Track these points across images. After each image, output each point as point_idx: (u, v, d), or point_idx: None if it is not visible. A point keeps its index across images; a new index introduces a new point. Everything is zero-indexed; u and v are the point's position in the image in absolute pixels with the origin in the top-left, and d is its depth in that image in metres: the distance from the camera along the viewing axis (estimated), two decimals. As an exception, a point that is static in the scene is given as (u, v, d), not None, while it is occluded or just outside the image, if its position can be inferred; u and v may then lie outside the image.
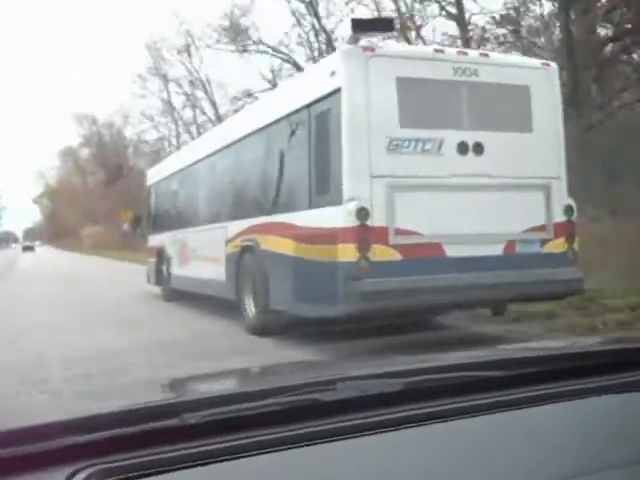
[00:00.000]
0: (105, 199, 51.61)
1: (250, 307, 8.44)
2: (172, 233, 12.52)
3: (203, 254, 10.48)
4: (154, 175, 14.45)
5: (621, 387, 1.05)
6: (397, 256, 5.93)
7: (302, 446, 0.82)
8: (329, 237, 6.12)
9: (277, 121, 7.46)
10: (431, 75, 6.17)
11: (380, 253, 5.87)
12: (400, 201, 5.95)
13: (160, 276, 13.57)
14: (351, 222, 5.83)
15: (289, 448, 0.82)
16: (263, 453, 0.81)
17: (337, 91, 6.08)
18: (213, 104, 36.35)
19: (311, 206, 6.60)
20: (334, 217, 6.08)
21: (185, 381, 1.19)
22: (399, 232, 5.94)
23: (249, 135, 8.40)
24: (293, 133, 7.03)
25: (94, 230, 54.68)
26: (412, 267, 5.92)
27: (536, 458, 0.84)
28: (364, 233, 5.82)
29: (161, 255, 13.52)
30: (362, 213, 5.83)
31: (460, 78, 6.23)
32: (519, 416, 0.96)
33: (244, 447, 0.81)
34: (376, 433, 0.86)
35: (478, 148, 6.24)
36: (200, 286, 10.59)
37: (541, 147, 6.51)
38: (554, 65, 6.87)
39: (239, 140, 8.77)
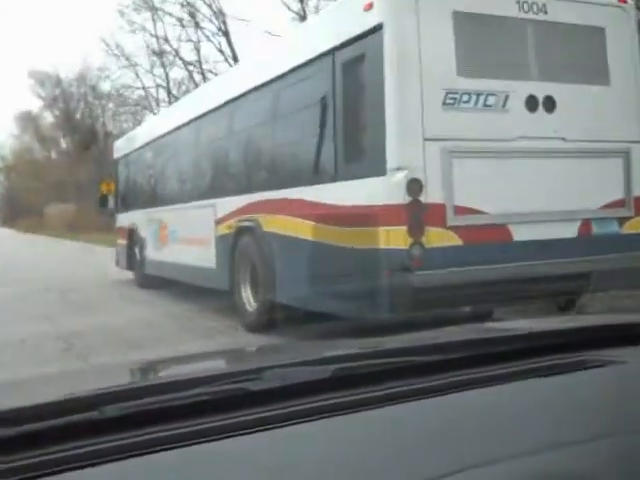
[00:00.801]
0: (76, 172, 44.48)
1: (248, 300, 7.13)
2: (146, 212, 11.06)
3: (185, 236, 9.08)
4: (123, 146, 12.89)
5: (558, 369, 1.02)
6: (457, 241, 4.66)
7: (226, 437, 0.79)
8: (366, 217, 4.81)
9: (290, 72, 6.06)
10: (495, 10, 4.87)
11: (436, 238, 4.60)
12: (459, 170, 4.67)
13: (132, 260, 12.11)
14: (400, 198, 4.53)
15: (213, 440, 0.78)
16: (187, 445, 0.76)
17: (377, 30, 4.74)
18: (229, 44, 25.94)
19: (338, 177, 5.28)
20: (374, 191, 4.78)
21: (107, 371, 1.12)
22: (459, 210, 4.67)
23: (250, 92, 6.97)
24: (312, 86, 5.67)
25: (62, 208, 46.36)
26: (475, 254, 4.66)
27: (466, 443, 0.78)
28: (417, 212, 4.53)
29: (133, 236, 12.05)
30: (414, 186, 4.53)
31: (527, 16, 4.95)
32: (448, 401, 0.92)
33: (165, 439, 0.77)
34: (301, 422, 0.82)
35: (549, 103, 4.97)
36: (182, 273, 9.20)
37: (619, 103, 5.29)
38: (631, 2, 5.63)
39: (236, 99, 7.33)
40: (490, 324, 1.88)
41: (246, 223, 7.04)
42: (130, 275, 12.66)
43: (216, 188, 8.09)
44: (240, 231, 7.21)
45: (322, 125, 5.47)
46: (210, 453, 0.76)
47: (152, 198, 10.99)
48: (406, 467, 0.72)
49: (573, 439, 0.77)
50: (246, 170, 7.32)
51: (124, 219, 12.77)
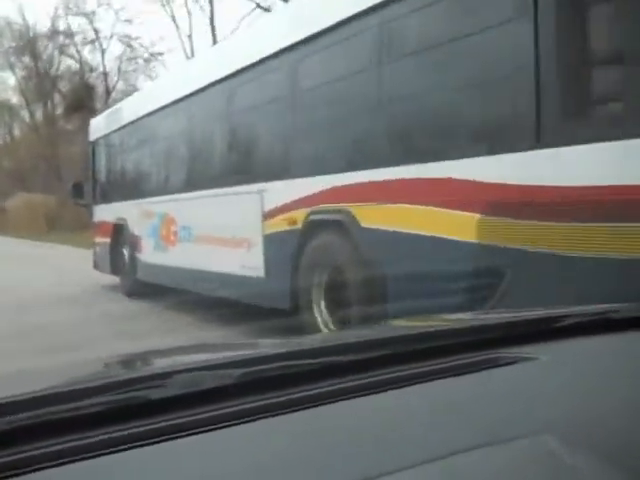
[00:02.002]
0: (53, 150, 35.40)
1: (325, 322, 5.15)
2: (139, 203, 8.86)
3: (206, 234, 6.97)
4: (103, 125, 10.58)
5: (469, 367, 1.00)
6: None
7: (126, 449, 0.74)
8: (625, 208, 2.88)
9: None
10: None
11: None
12: None
13: (118, 262, 9.89)
14: None
15: (107, 453, 0.73)
16: (80, 460, 0.72)
17: None
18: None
19: (545, 143, 3.31)
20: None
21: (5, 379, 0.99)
22: None
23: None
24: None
25: (27, 200, 35.34)
26: None
27: (372, 448, 0.75)
28: None
29: (119, 233, 9.84)
30: None
31: None
32: (355, 405, 0.88)
33: (56, 454, 0.72)
34: (205, 431, 0.78)
35: None
36: (200, 282, 7.07)
37: None
38: None
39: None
40: (400, 322, 1.53)
41: (326, 216, 5.02)
42: (112, 280, 10.46)
43: (264, 168, 6.02)
44: (314, 227, 5.18)
45: (502, 54, 3.51)
46: (104, 466, 0.71)
47: (149, 185, 8.81)
48: (313, 476, 0.69)
49: (485, 439, 0.74)
50: (326, 140, 5.25)
51: (105, 212, 10.51)
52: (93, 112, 24.28)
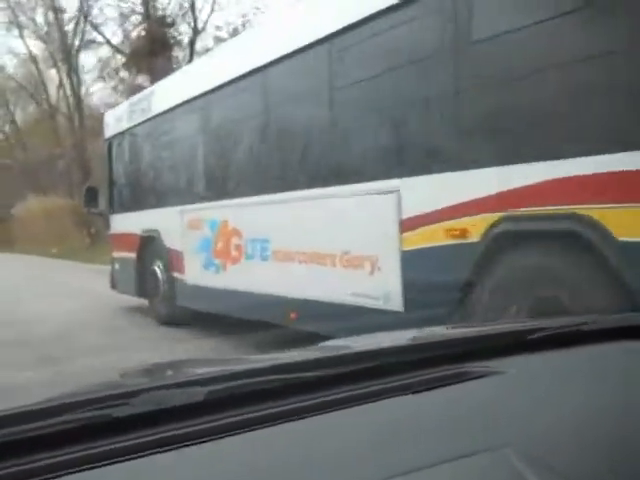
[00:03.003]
0: (60, 148, 28.48)
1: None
2: (180, 210, 7.12)
3: (295, 248, 5.27)
4: (125, 117, 8.79)
5: (438, 382, 1.00)
6: None
7: (87, 468, 0.73)
8: None
9: None
10: None
11: None
12: None
13: (148, 283, 8.15)
14: None
15: (70, 472, 0.73)
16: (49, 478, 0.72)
17: None
18: None
19: None
20: None
21: None
22: None
23: None
24: None
25: (38, 205, 28.19)
26: None
27: (342, 462, 0.76)
28: None
29: (149, 248, 8.11)
30: None
31: None
32: (325, 420, 0.89)
33: (16, 475, 0.72)
34: (166, 451, 0.78)
35: None
36: (282, 311, 5.34)
37: None
38: None
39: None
40: (370, 337, 1.41)
41: (543, 225, 3.35)
42: (135, 301, 8.70)
43: (405, 157, 4.34)
44: (511, 240, 3.51)
45: None
46: None
47: (196, 189, 7.06)
48: None
49: (447, 455, 0.74)
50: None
51: (127, 222, 8.76)
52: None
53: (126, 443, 0.78)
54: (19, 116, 36.85)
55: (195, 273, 6.95)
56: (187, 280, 7.14)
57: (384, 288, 4.31)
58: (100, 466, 0.73)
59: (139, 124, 8.29)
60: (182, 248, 7.21)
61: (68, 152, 28.10)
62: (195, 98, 6.70)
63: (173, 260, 7.48)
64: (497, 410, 0.93)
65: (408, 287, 4.15)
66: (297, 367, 1.03)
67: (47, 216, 26.38)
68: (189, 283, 7.11)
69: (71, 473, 0.71)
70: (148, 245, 8.11)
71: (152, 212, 7.96)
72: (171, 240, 7.49)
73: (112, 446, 0.77)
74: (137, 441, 0.79)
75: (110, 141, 9.27)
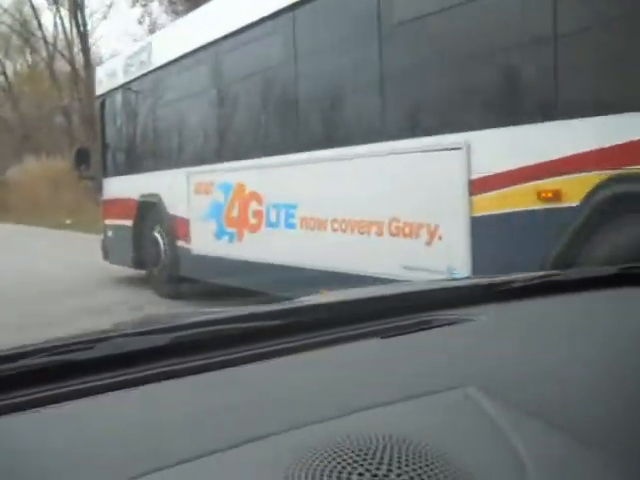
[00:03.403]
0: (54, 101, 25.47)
1: None
2: (186, 173, 6.43)
3: (329, 214, 4.64)
4: (120, 71, 8.00)
5: (404, 329, 1.03)
6: None
7: (49, 406, 0.75)
8: None
9: None
10: None
11: None
12: None
13: (147, 253, 7.47)
14: None
15: (34, 409, 0.74)
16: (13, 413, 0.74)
17: None
18: None
19: None
20: None
21: None
22: None
23: None
24: None
25: (39, 168, 24.80)
26: None
27: (308, 399, 0.79)
28: None
29: (148, 214, 7.42)
30: None
31: None
32: (291, 362, 0.91)
33: None
34: (130, 390, 0.80)
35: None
36: (314, 285, 4.71)
37: None
38: None
39: None
40: (344, 291, 1.40)
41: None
42: (127, 273, 8.03)
43: (477, 107, 3.71)
44: (624, 205, 2.92)
45: None
46: (31, 421, 0.73)
47: (205, 148, 6.38)
48: (235, 426, 0.70)
49: (418, 392, 0.77)
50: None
51: (123, 187, 8.04)
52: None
53: (87, 384, 0.80)
54: (12, 66, 32.73)
55: (203, 242, 6.29)
56: (193, 249, 6.48)
57: (447, 261, 3.70)
58: (58, 405, 0.74)
59: (137, 78, 7.53)
60: (188, 214, 6.53)
61: (70, 106, 24.53)
62: (207, 45, 5.96)
63: (176, 228, 6.80)
64: (465, 354, 0.94)
65: (479, 260, 3.55)
66: (266, 316, 1.04)
67: (51, 181, 22.50)
68: (196, 253, 6.44)
69: (27, 410, 0.73)
70: (147, 211, 7.42)
71: (152, 175, 7.25)
72: (174, 206, 6.81)
73: (72, 387, 0.79)
74: (98, 383, 0.80)
75: (103, 98, 8.50)
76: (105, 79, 8.44)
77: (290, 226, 5.05)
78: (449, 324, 1.05)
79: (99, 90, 8.61)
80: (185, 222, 6.58)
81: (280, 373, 0.88)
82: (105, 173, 8.52)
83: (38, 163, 25.24)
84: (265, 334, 0.97)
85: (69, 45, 27.16)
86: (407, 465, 0.59)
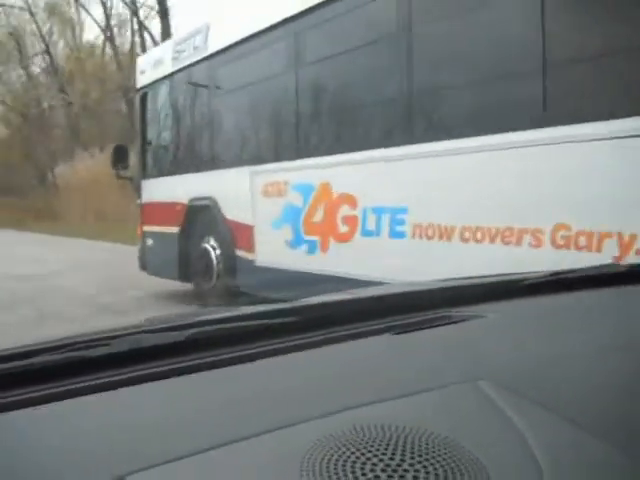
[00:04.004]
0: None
1: None
2: (250, 172, 5.55)
3: (464, 222, 3.75)
4: (166, 61, 7.14)
5: (419, 325, 1.04)
6: None
7: (62, 400, 0.76)
8: None
9: None
10: None
11: None
12: None
13: (197, 263, 6.60)
14: None
15: (60, 400, 0.76)
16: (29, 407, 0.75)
17: None
18: None
19: None
20: None
21: None
22: None
23: None
24: None
25: (90, 166, 20.27)
26: None
27: (328, 392, 0.80)
28: None
29: (199, 219, 6.56)
30: None
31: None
32: (309, 356, 0.93)
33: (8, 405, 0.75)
34: (143, 384, 0.81)
35: None
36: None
37: None
38: None
39: None
40: (356, 290, 1.44)
41: None
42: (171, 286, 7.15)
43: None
44: None
45: None
46: (48, 416, 0.74)
47: (280, 143, 5.51)
48: (246, 421, 0.70)
49: (428, 386, 0.78)
50: None
51: (166, 189, 7.19)
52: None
53: (103, 380, 0.80)
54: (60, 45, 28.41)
55: (272, 252, 5.40)
56: (258, 261, 5.59)
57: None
58: (73, 399, 0.75)
59: (190, 66, 6.67)
60: (251, 220, 5.65)
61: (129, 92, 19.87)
62: (287, 21, 5.09)
63: (236, 235, 5.93)
64: (477, 349, 0.94)
65: None
66: (280, 313, 1.05)
67: (101, 183, 17.95)
68: (261, 265, 5.56)
69: (43, 405, 0.74)
70: (197, 217, 6.55)
71: (204, 176, 6.39)
72: (233, 210, 5.94)
73: (88, 383, 0.79)
74: (114, 378, 0.81)
75: (145, 91, 7.64)
76: (149, 69, 7.58)
77: (398, 235, 4.16)
78: (461, 321, 1.06)
79: (140, 82, 7.75)
80: (248, 229, 5.70)
81: (295, 368, 0.89)
82: (145, 174, 7.67)
83: (92, 160, 20.60)
84: (279, 331, 0.98)
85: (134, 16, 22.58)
86: (420, 455, 0.60)
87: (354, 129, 4.67)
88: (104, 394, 0.77)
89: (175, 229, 6.93)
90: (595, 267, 1.39)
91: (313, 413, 0.69)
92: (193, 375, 0.83)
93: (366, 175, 4.39)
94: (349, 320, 1.05)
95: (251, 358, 0.88)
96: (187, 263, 6.78)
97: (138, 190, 7.77)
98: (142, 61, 7.95)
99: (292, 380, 0.84)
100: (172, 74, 7.00)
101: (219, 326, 0.96)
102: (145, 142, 7.67)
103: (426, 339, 1.00)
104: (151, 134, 7.61)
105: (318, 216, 4.87)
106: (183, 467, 0.59)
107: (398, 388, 0.77)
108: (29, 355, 0.83)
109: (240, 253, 5.88)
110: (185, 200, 6.70)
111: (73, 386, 0.79)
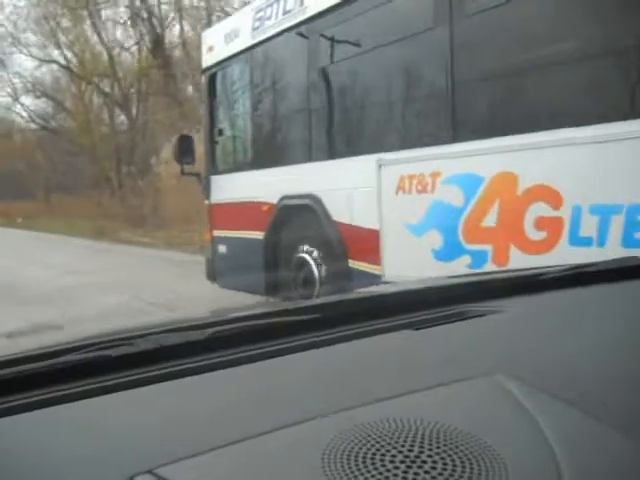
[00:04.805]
0: None
1: None
2: (376, 161, 4.30)
3: None
4: (243, 32, 5.90)
5: (437, 320, 1.06)
6: None
7: (89, 398, 0.78)
8: None
9: None
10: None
11: None
12: None
13: (288, 276, 5.39)
14: None
15: (71, 401, 0.78)
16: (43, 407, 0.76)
17: None
18: None
19: None
20: None
21: None
22: None
23: None
24: None
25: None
26: None
27: (351, 385, 0.82)
28: None
29: (292, 223, 5.37)
30: None
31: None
32: (324, 353, 0.94)
33: (20, 408, 0.77)
34: (170, 381, 0.83)
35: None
36: None
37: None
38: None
39: None
40: (375, 287, 1.57)
41: None
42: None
43: None
44: None
45: None
46: (70, 415, 0.75)
47: (430, 122, 4.26)
48: (269, 416, 0.71)
49: (448, 379, 0.79)
50: None
51: (244, 186, 5.97)
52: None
53: (125, 379, 0.81)
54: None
55: (409, 265, 4.17)
56: (387, 276, 4.36)
57: None
58: (95, 398, 0.76)
59: (277, 35, 5.44)
60: (377, 223, 4.41)
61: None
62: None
63: (350, 242, 4.71)
64: (495, 344, 0.95)
65: None
66: (301, 311, 1.06)
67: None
68: (392, 280, 4.32)
69: (66, 402, 0.75)
70: (292, 218, 5.35)
71: (302, 168, 5.17)
72: (347, 210, 4.71)
73: (110, 382, 0.80)
74: (136, 377, 0.82)
75: (214, 71, 6.43)
76: (219, 45, 6.36)
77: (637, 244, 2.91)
78: (480, 315, 1.06)
79: (208, 61, 6.53)
80: (370, 235, 4.47)
81: (316, 364, 0.90)
82: (215, 169, 6.46)
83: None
84: (300, 328, 0.99)
85: None
86: (438, 447, 0.61)
87: (562, 96, 3.39)
88: (127, 392, 0.77)
89: (258, 234, 5.73)
90: (617, 260, 1.35)
91: (334, 407, 0.70)
92: (215, 372, 0.84)
93: (582, 160, 3.14)
94: (369, 317, 1.06)
95: (272, 355, 0.89)
96: (276, 275, 5.57)
97: (206, 188, 6.56)
98: (209, 36, 6.71)
99: (312, 376, 0.85)
100: (253, 47, 5.76)
101: (240, 324, 0.96)
102: (215, 131, 6.45)
103: (446, 334, 1.01)
104: (223, 121, 6.39)
105: (491, 218, 3.62)
106: (208, 460, 0.61)
107: (417, 382, 0.78)
108: (54, 355, 0.83)
109: (356, 265, 4.66)
110: (273, 199, 5.48)
111: (97, 385, 0.80)
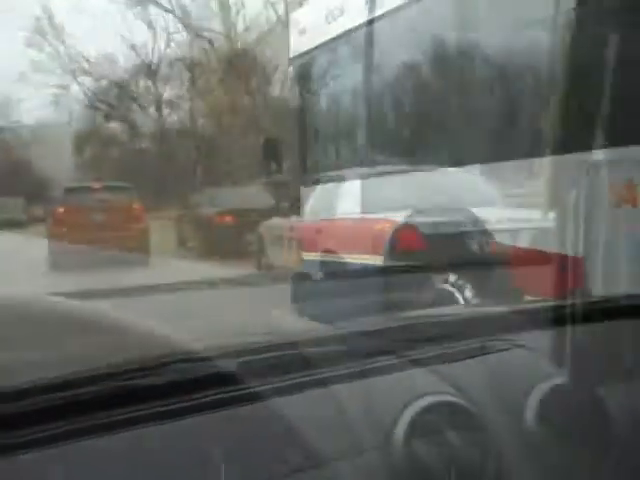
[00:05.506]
0: None
1: None
2: (596, 164, 3.14)
3: None
4: (343, 12, 4.83)
5: (461, 355, 1.03)
6: None
7: (120, 432, 0.76)
8: None
9: None
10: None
11: None
12: None
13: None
14: None
15: (92, 437, 0.75)
16: (65, 444, 0.74)
17: None
18: None
19: None
20: None
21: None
22: None
23: None
24: None
25: None
26: None
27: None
28: None
29: (429, 246, 4.20)
30: None
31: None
32: (352, 388, 0.91)
33: (55, 437, 0.74)
34: (199, 415, 0.80)
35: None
36: None
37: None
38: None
39: None
40: (403, 314, 1.39)
41: None
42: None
43: None
44: None
45: None
46: (89, 450, 0.74)
47: None
48: (302, 452, 0.73)
49: (482, 411, 0.81)
50: None
51: (345, 200, 4.88)
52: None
53: (146, 412, 0.78)
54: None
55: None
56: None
57: None
58: (119, 430, 0.75)
59: (401, 8, 4.31)
60: (580, 247, 3.26)
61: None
62: None
63: (523, 272, 3.56)
64: (517, 379, 0.98)
65: None
66: (324, 341, 1.04)
67: None
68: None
69: (73, 441, 0.74)
70: (423, 240, 4.21)
71: (438, 176, 4.03)
72: (511, 232, 3.56)
73: (133, 414, 0.78)
74: (159, 409, 0.79)
75: (308, 59, 5.33)
76: (313, 27, 5.26)
77: None
78: (499, 351, 1.07)
79: (298, 47, 5.44)
80: (571, 263, 3.31)
81: (341, 399, 0.89)
82: (306, 178, 5.34)
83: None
84: (324, 360, 0.97)
85: None
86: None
87: None
88: (143, 426, 0.76)
89: (368, 258, 4.62)
90: (635, 295, 1.37)
91: (369, 443, 0.74)
92: (246, 405, 0.83)
93: None
94: (393, 349, 1.04)
95: (292, 389, 0.88)
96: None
97: (294, 201, 5.45)
98: (300, 17, 5.62)
99: (336, 412, 0.85)
100: (369, 23, 4.64)
101: (266, 355, 0.94)
102: (307, 132, 5.34)
103: (472, 368, 1.02)
104: (319, 119, 5.29)
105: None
106: None
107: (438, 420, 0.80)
108: (73, 385, 0.80)
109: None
110: (396, 215, 4.36)
111: (118, 417, 0.78)
